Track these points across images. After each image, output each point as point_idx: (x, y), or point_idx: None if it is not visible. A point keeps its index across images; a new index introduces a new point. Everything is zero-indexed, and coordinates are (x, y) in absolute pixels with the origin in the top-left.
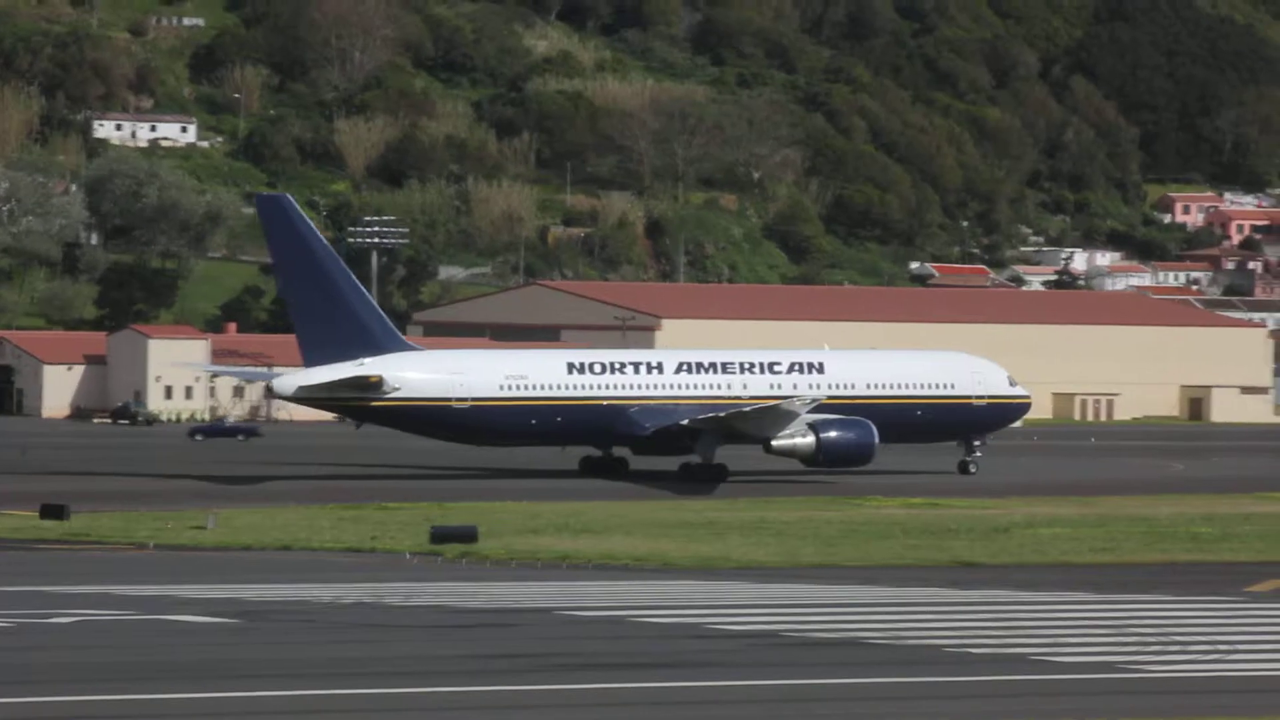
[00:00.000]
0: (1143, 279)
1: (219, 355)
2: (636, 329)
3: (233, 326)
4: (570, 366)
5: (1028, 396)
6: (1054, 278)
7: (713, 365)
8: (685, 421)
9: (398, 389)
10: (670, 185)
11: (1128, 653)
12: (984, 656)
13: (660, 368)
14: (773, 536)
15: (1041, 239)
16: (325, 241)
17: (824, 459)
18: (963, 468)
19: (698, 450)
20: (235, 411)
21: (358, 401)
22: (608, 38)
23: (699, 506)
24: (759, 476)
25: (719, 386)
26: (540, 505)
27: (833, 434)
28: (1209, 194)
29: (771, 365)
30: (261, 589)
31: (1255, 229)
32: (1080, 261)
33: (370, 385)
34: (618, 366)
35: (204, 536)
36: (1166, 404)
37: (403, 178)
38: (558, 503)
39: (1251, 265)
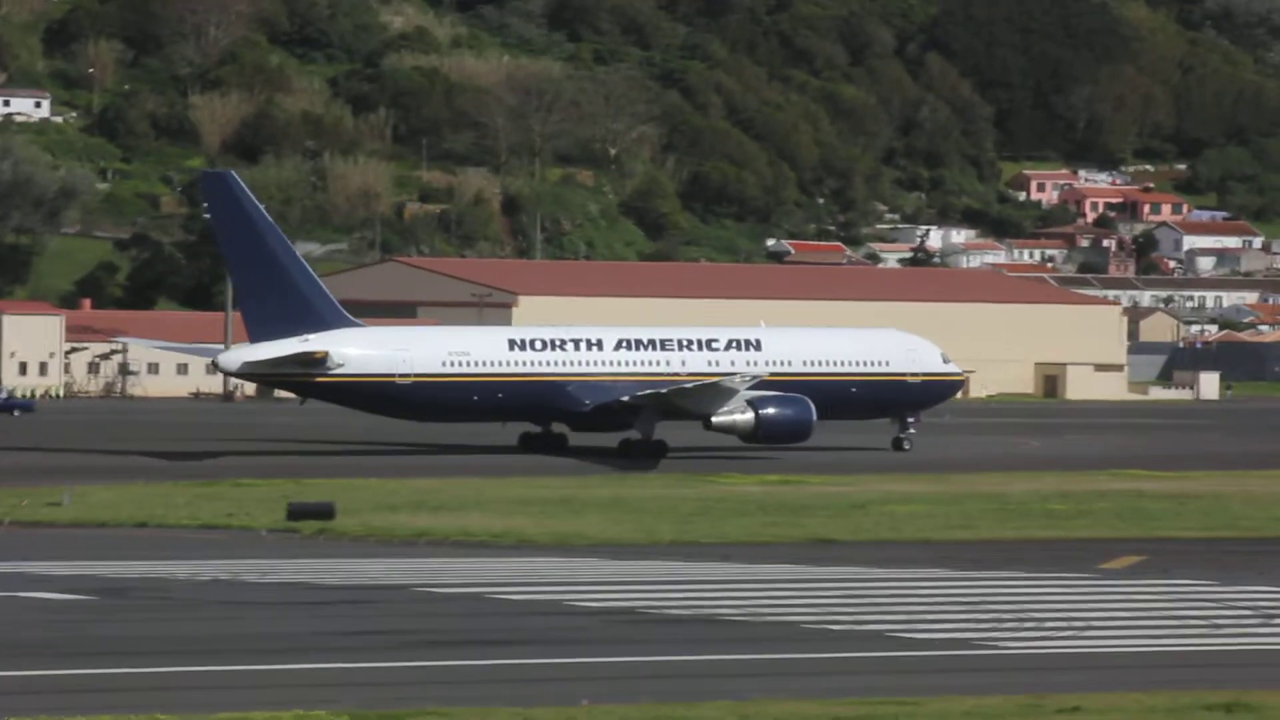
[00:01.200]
0: (998, 256)
1: (74, 332)
2: (493, 306)
3: (88, 303)
4: (512, 343)
5: (962, 374)
6: (909, 255)
7: (651, 342)
8: (625, 398)
9: (342, 365)
10: (527, 162)
11: (984, 629)
12: (842, 633)
13: (600, 344)
14: (629, 514)
15: (897, 216)
16: (269, 218)
17: (762, 435)
18: (897, 444)
19: (637, 426)
20: (90, 388)
21: (302, 377)
22: (464, 14)
23: (556, 484)
24: (699, 452)
25: (658, 363)
26: (399, 482)
27: (771, 411)
28: (1064, 171)
29: (709, 342)
30: (118, 566)
31: (1109, 207)
32: (936, 239)
33: (315, 361)
34: (558, 343)
35: (59, 513)
36: (1022, 381)
37: (258, 154)
38: (417, 479)
39: (1106, 243)
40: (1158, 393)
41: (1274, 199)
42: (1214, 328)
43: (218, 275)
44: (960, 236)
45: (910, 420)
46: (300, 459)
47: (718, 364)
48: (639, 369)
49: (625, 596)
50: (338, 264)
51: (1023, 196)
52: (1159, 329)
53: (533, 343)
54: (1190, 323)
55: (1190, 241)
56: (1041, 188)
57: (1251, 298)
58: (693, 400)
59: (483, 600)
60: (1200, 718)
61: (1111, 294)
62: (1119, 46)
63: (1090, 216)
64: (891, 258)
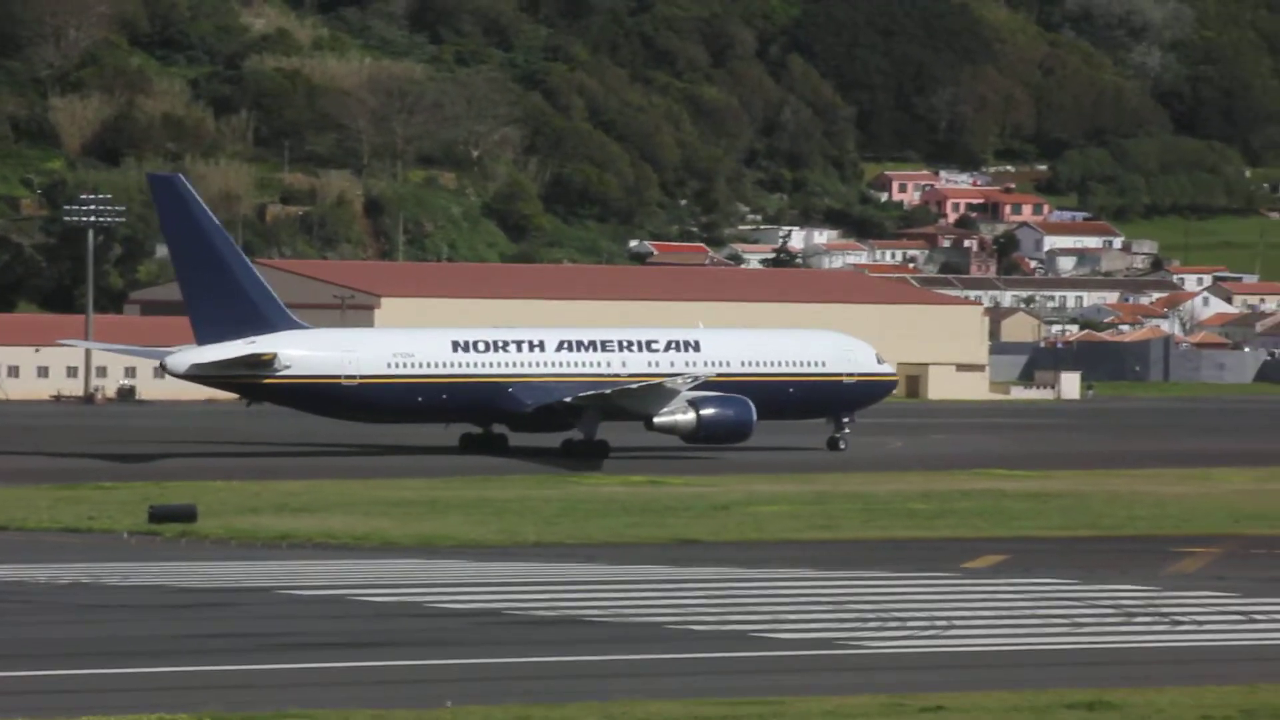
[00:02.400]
0: (860, 257)
1: None
2: (356, 308)
3: None
4: (455, 345)
5: (894, 374)
6: (772, 256)
7: (592, 343)
8: (568, 399)
9: (288, 367)
10: (389, 164)
11: (847, 629)
12: (706, 634)
13: (542, 345)
14: (493, 515)
15: (759, 217)
16: (216, 221)
17: (703, 435)
18: (832, 444)
19: (580, 427)
20: None
21: (249, 379)
22: (325, 16)
23: (422, 485)
24: (641, 452)
25: (599, 364)
26: (262, 484)
27: (711, 411)
28: (925, 172)
29: (649, 343)
30: None
31: (970, 207)
32: (798, 240)
33: (262, 363)
34: (500, 345)
35: None
36: None
37: (119, 156)
38: (280, 481)
39: (967, 243)
40: (1019, 393)
41: (1133, 199)
42: (1075, 327)
43: (78, 278)
44: (823, 237)
45: (845, 420)
46: (179, 461)
47: (657, 365)
48: (580, 370)
49: (489, 598)
50: None
51: (885, 197)
52: (1020, 329)
53: (475, 344)
54: (1051, 323)
55: (1051, 242)
56: (903, 188)
57: (1112, 298)
58: (635, 401)
59: (345, 602)
60: (1063, 716)
61: (973, 294)
62: (980, 48)
63: (952, 217)
64: (754, 259)
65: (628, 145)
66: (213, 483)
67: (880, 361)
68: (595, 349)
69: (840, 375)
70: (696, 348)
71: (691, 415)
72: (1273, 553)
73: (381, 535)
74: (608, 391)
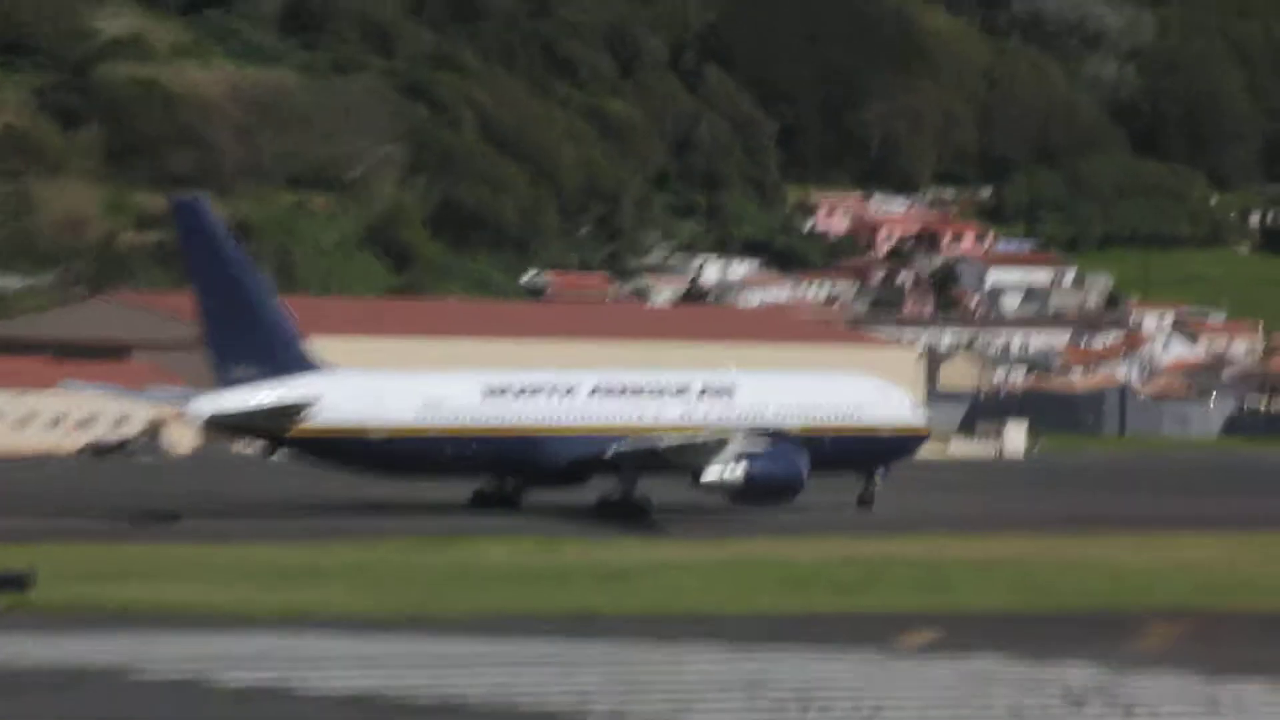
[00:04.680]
0: (782, 293)
1: None
2: None
3: None
4: (489, 390)
5: (927, 428)
6: (685, 290)
7: (624, 389)
8: (610, 452)
9: (312, 414)
10: (256, 184)
11: (765, 713)
12: None
13: (573, 391)
14: (372, 583)
15: (670, 246)
16: (239, 249)
17: (750, 494)
18: (863, 501)
19: (619, 484)
20: None
21: (279, 428)
22: (186, 18)
23: (294, 551)
24: (682, 511)
25: (633, 414)
26: (112, 548)
27: (760, 466)
28: (855, 197)
29: (683, 389)
30: None
31: (905, 237)
32: (713, 272)
33: (294, 411)
34: (531, 390)
35: None
36: None
37: None
38: (132, 546)
39: (901, 278)
40: (959, 446)
41: (1087, 228)
42: (1022, 373)
43: None
44: (741, 269)
45: (878, 474)
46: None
47: (692, 413)
48: (615, 420)
49: (362, 679)
50: (40, 299)
51: (810, 224)
52: (960, 375)
53: (506, 390)
54: (996, 367)
55: (995, 276)
56: (830, 214)
57: (1063, 339)
58: (688, 455)
59: (196, 686)
60: None
61: (908, 333)
62: (917, 57)
63: (884, 248)
64: (664, 293)
65: (524, 164)
66: (59, 546)
67: (916, 412)
68: (629, 394)
69: (877, 427)
70: (730, 394)
71: (739, 471)
72: (1241, 629)
73: (246, 605)
74: (661, 446)
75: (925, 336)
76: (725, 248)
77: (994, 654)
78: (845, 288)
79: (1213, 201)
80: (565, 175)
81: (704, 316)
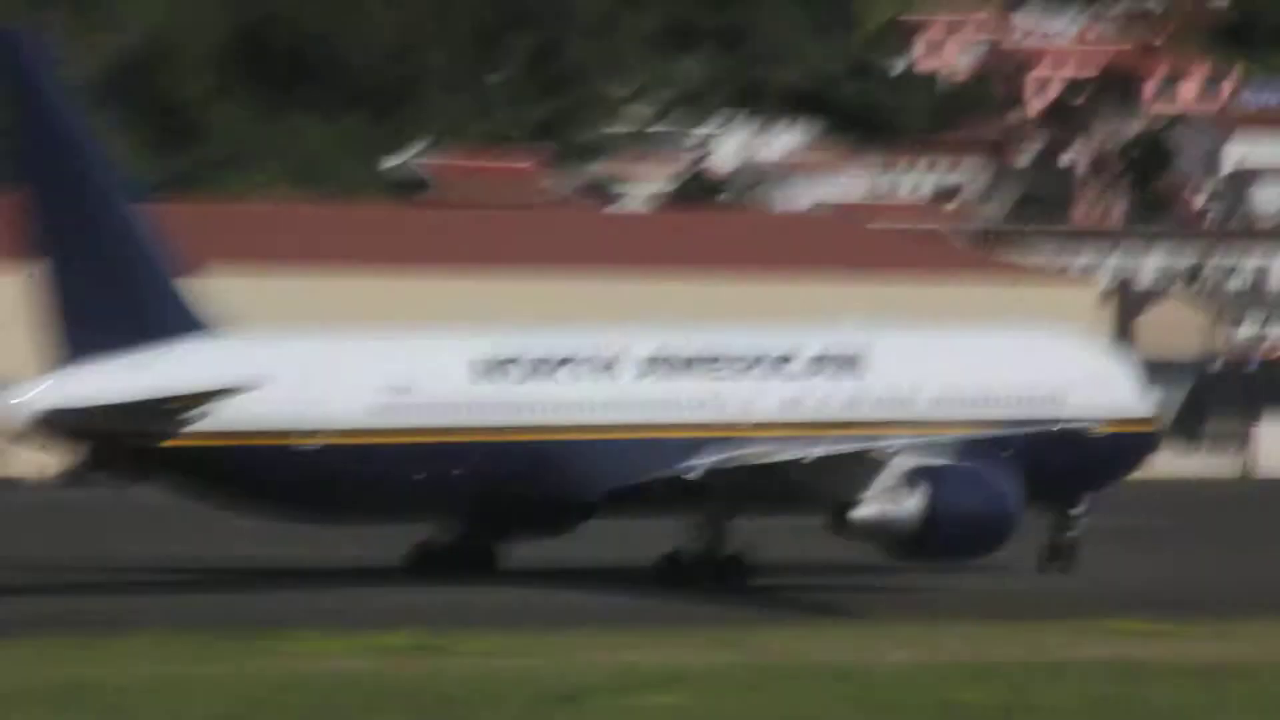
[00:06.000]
0: (856, 185)
1: None
2: None
3: None
4: (480, 366)
5: (1159, 422)
6: (677, 183)
7: (691, 361)
8: (697, 473)
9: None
10: None
11: None
12: None
13: (616, 364)
14: (96, 714)
15: (654, 101)
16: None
17: (937, 541)
18: (1056, 553)
19: (705, 526)
20: None
21: (148, 437)
22: None
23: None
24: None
25: (710, 403)
26: None
27: (953, 496)
28: (986, 10)
29: (784, 360)
30: None
31: (1078, 81)
32: (732, 147)
33: (186, 406)
34: (553, 363)
35: None
36: None
37: None
38: None
39: (1069, 157)
40: (1170, 459)
41: None
42: None
43: None
44: (782, 141)
45: (1078, 510)
46: None
47: (800, 401)
48: (683, 414)
49: None
50: None
51: (905, 62)
52: (1175, 329)
53: (506, 365)
54: (1240, 318)
55: (1242, 152)
56: (943, 41)
57: None
58: (821, 477)
59: None
60: None
61: (1082, 258)
62: None
63: (1038, 103)
64: (644, 188)
65: None
66: None
67: (1143, 394)
68: (699, 369)
69: (1089, 420)
70: (859, 367)
71: (917, 504)
72: None
73: None
74: (778, 460)
75: (1114, 261)
76: (754, 103)
77: None
78: (970, 173)
79: None
80: None
81: (716, 231)
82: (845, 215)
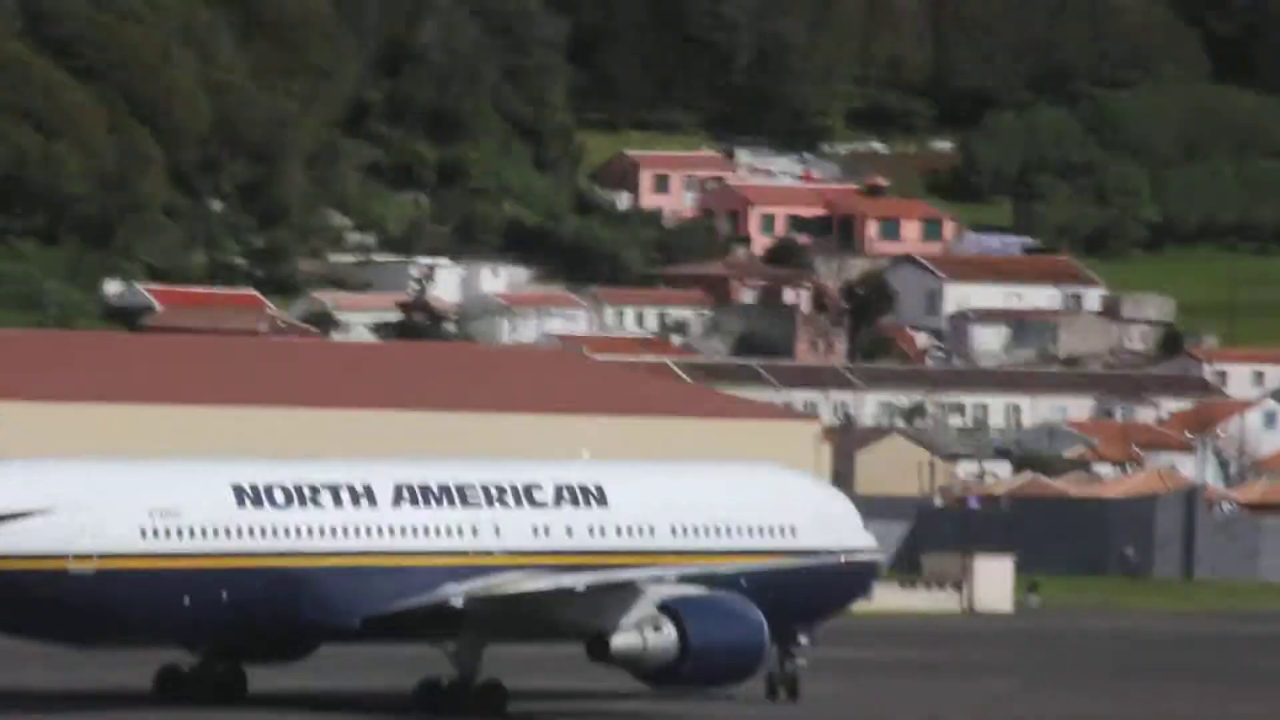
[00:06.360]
0: (577, 322)
1: None
2: None
3: None
4: (241, 493)
5: (881, 551)
6: (400, 315)
7: (445, 491)
8: (458, 601)
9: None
10: None
11: None
12: None
13: (370, 495)
14: None
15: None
16: None
17: (689, 670)
18: (783, 683)
19: (454, 655)
20: None
21: None
22: None
23: None
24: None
25: (460, 531)
26: None
27: (706, 627)
28: (709, 153)
29: (530, 491)
30: None
31: (798, 223)
32: (452, 283)
33: None
34: (308, 491)
35: None
36: None
37: None
38: None
39: (792, 296)
40: (893, 594)
41: (1129, 212)
42: (1004, 469)
43: None
44: (499, 280)
45: (803, 641)
46: None
47: (546, 530)
48: (436, 542)
49: None
50: None
51: (625, 201)
52: (896, 468)
53: (270, 492)
54: (957, 458)
55: (961, 294)
56: (663, 184)
57: (1082, 409)
58: (577, 609)
59: None
60: None
61: (803, 398)
62: None
63: (763, 244)
64: (360, 320)
65: (102, 85)
66: None
67: (866, 528)
68: (451, 500)
69: (820, 552)
70: (600, 498)
71: (671, 633)
72: None
73: None
74: (545, 589)
75: (831, 400)
76: (466, 239)
77: None
78: (689, 314)
79: None
80: (176, 100)
81: (429, 360)
82: (571, 352)
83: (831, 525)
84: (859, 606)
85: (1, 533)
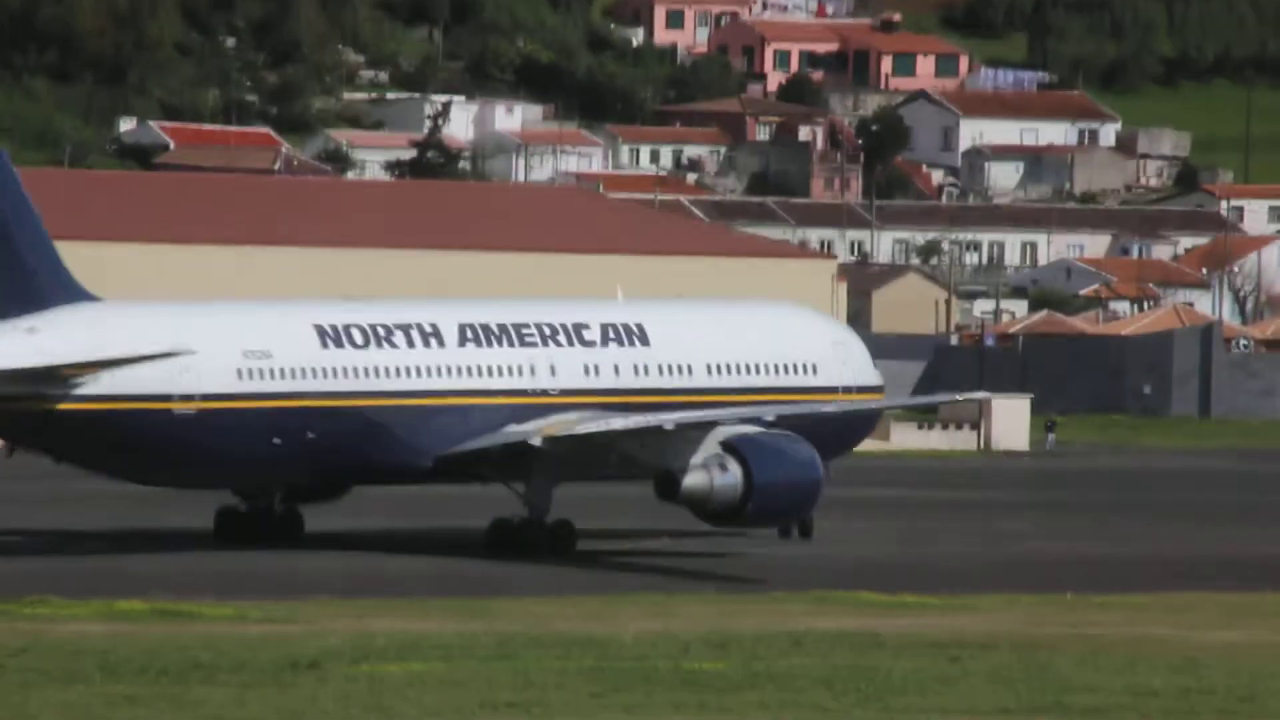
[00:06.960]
0: (591, 159)
1: None
2: None
3: None
4: (323, 333)
5: (883, 391)
6: (410, 156)
7: (503, 331)
8: (537, 440)
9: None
10: None
11: None
12: None
13: (439, 335)
14: None
15: (379, 75)
16: None
17: (752, 510)
18: (794, 522)
19: (526, 494)
20: None
21: (32, 402)
22: None
23: None
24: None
25: (519, 371)
26: None
27: (771, 468)
28: None
29: (581, 330)
30: None
31: (812, 59)
32: (461, 119)
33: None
34: (384, 333)
35: None
36: None
37: None
38: None
39: (806, 133)
40: (906, 434)
41: (1140, 51)
42: (1021, 306)
43: None
44: (514, 117)
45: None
46: None
47: (596, 369)
48: (498, 381)
49: None
50: None
51: (638, 38)
52: (912, 308)
53: (349, 331)
54: (974, 295)
55: (974, 130)
56: (677, 19)
57: (1099, 244)
58: (648, 449)
59: None
60: None
61: (817, 235)
62: None
63: (776, 80)
64: (374, 159)
65: None
66: None
67: (875, 368)
68: (510, 340)
69: (835, 390)
70: (643, 338)
71: (735, 474)
72: None
73: None
74: (608, 428)
75: (847, 238)
76: (483, 79)
77: None
78: (702, 151)
79: None
80: None
81: (447, 199)
82: (585, 190)
83: (849, 363)
84: (877, 446)
85: (111, 375)
